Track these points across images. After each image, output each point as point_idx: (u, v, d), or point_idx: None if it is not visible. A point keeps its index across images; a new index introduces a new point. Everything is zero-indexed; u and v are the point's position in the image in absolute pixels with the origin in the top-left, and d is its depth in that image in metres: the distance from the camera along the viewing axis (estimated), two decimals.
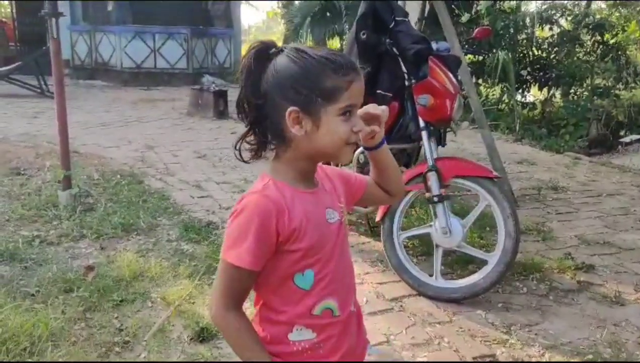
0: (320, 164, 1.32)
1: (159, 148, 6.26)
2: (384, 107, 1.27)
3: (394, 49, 2.96)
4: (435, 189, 2.84)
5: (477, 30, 3.85)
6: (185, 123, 8.13)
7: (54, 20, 3.83)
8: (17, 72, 10.09)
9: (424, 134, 2.97)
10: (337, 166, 2.42)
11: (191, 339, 2.45)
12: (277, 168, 1.22)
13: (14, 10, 14.95)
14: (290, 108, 1.13)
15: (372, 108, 1.25)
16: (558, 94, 9.59)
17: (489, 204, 2.87)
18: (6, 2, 16.38)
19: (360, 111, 1.21)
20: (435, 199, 2.85)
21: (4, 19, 15.97)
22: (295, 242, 1.17)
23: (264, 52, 1.17)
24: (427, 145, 2.95)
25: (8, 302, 2.56)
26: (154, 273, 3.03)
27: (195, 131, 7.50)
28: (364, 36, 2.95)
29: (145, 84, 12.56)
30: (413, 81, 2.99)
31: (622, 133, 8.07)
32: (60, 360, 2.25)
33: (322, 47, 1.21)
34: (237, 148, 1.23)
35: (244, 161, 1.24)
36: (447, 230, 2.84)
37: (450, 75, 3.02)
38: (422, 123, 2.98)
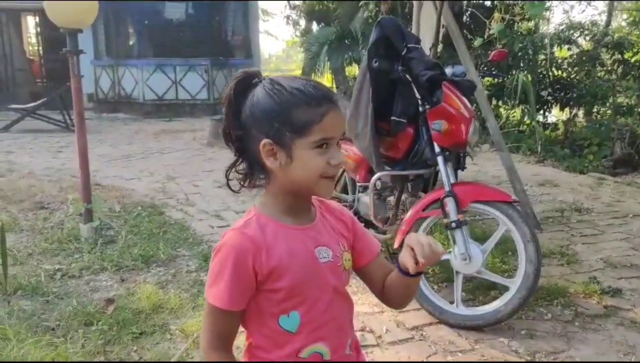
0: (329, 201, 1.30)
1: (179, 179, 6.33)
2: (440, 250, 1.12)
3: (407, 76, 2.96)
4: (453, 215, 2.81)
5: (493, 53, 3.84)
6: (206, 153, 8.22)
7: (75, 57, 3.93)
8: (42, 107, 10.35)
9: (439, 159, 2.95)
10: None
11: None
12: (264, 201, 1.21)
13: (41, 48, 15.42)
14: (264, 141, 1.13)
15: (426, 245, 1.10)
16: (580, 113, 9.48)
17: (508, 229, 2.83)
18: (34, 40, 16.89)
19: (411, 239, 1.12)
20: (453, 225, 2.81)
21: (31, 57, 16.44)
22: (276, 281, 1.14)
23: (246, 82, 1.17)
24: (443, 170, 2.92)
25: (29, 337, 2.58)
26: (173, 304, 3.03)
27: (215, 161, 7.57)
28: (376, 64, 2.96)
29: (167, 116, 12.76)
30: (427, 106, 2.98)
31: None
32: None
33: (299, 78, 1.18)
34: (227, 176, 1.22)
35: (232, 191, 1.23)
36: (466, 256, 2.80)
37: (465, 100, 3.01)
38: (437, 148, 2.96)
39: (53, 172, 6.54)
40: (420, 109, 3.02)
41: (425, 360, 2.55)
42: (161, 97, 13.33)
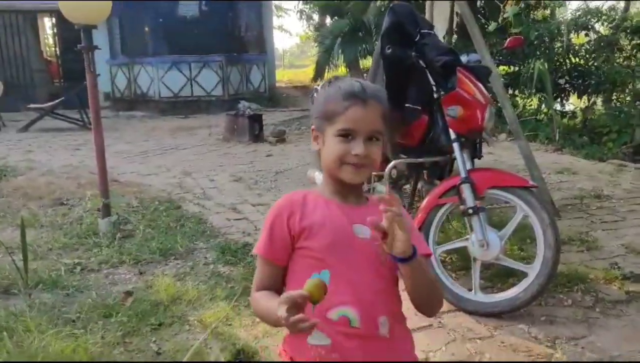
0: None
1: (196, 174, 6.36)
2: (408, 223, 1.22)
3: (421, 62, 2.93)
4: (469, 201, 2.78)
5: (508, 40, 3.80)
6: (222, 148, 8.25)
7: (90, 53, 3.96)
8: (60, 107, 10.46)
9: (455, 146, 2.92)
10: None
11: (228, 361, 2.44)
12: (322, 182, 1.41)
13: (58, 49, 15.59)
14: (312, 127, 1.37)
15: (398, 219, 1.17)
16: (599, 101, 9.35)
17: (526, 214, 2.79)
18: (51, 41, 17.08)
19: (384, 205, 1.17)
20: (470, 211, 2.78)
21: (48, 58, 16.61)
22: (308, 239, 1.28)
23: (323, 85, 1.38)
24: (459, 157, 2.90)
25: (49, 328, 2.61)
26: (192, 296, 3.04)
27: (231, 156, 7.60)
28: (390, 51, 2.94)
29: (183, 113, 12.81)
30: (442, 92, 2.96)
31: None
32: None
33: (353, 78, 1.37)
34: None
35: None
36: (484, 243, 2.77)
37: (480, 85, 2.98)
38: (453, 135, 2.93)
39: (71, 169, 6.61)
40: (435, 95, 2.99)
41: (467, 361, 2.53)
42: (177, 95, 13.40)
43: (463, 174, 2.83)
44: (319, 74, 14.46)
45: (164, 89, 13.36)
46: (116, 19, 13.10)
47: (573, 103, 9.81)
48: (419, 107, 3.01)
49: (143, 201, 4.98)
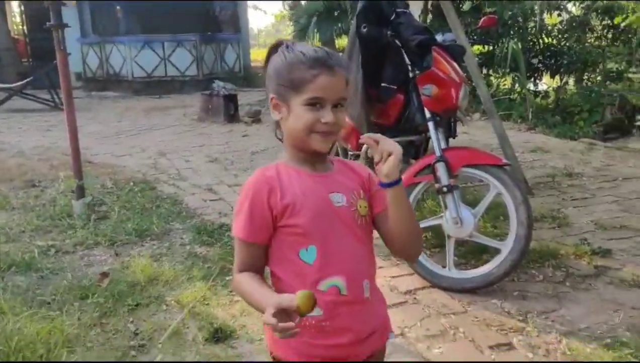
0: (352, 162, 1.44)
1: (171, 154, 6.30)
2: (398, 147, 1.23)
3: (396, 41, 2.94)
4: (444, 179, 2.82)
5: (483, 19, 3.83)
6: (197, 129, 8.18)
7: (59, 32, 3.87)
8: (30, 87, 10.22)
9: (430, 124, 2.95)
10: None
11: (206, 340, 2.46)
12: (286, 153, 1.36)
13: (26, 27, 15.19)
14: (271, 95, 1.30)
15: (384, 143, 1.23)
16: (571, 81, 9.47)
17: (500, 192, 2.84)
18: (18, 20, 16.65)
19: (366, 138, 1.24)
20: (445, 189, 2.82)
21: (16, 36, 16.19)
22: (292, 217, 1.26)
23: (272, 49, 1.33)
24: (434, 136, 2.92)
25: (24, 311, 2.58)
26: (168, 276, 3.04)
27: (206, 136, 7.54)
28: (365, 30, 2.94)
29: (156, 93, 12.64)
30: (417, 72, 2.97)
31: (638, 117, 7.92)
32: None
33: (314, 46, 1.31)
34: (276, 134, 1.38)
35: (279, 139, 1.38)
36: (457, 220, 2.82)
37: (455, 64, 3.00)
38: (428, 114, 2.96)
39: (43, 150, 6.49)
40: (410, 74, 3.00)
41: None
42: (150, 75, 13.20)
43: (438, 153, 2.86)
44: None
45: (137, 69, 13.14)
46: None
47: (546, 83, 9.91)
48: (395, 87, 3.02)
49: (117, 183, 4.93)
